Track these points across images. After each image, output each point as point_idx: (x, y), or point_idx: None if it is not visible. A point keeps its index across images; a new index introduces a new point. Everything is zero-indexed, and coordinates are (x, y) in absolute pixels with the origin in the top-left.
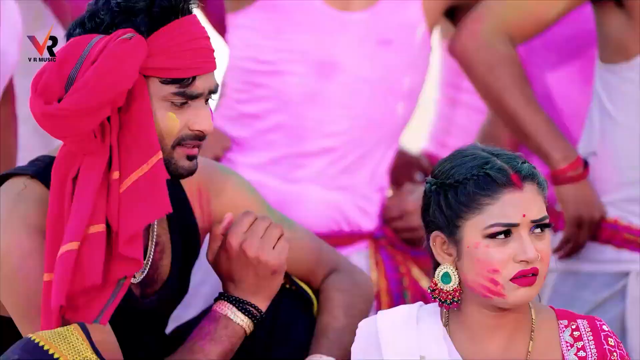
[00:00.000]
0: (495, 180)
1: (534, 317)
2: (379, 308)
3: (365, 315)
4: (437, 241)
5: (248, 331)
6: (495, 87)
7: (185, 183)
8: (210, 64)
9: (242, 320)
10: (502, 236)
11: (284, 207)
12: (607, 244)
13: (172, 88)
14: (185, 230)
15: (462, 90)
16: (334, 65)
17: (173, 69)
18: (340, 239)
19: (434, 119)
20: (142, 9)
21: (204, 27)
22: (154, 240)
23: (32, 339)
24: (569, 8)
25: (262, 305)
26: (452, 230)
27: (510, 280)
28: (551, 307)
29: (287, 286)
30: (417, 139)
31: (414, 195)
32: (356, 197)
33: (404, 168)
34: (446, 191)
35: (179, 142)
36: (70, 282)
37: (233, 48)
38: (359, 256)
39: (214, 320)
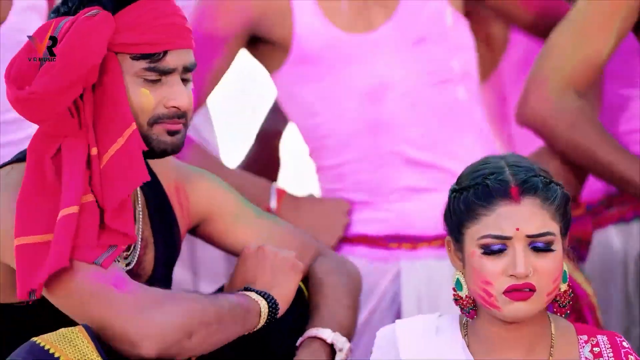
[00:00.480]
0: (492, 191)
1: (553, 332)
2: None
3: (355, 293)
4: (450, 246)
5: (263, 313)
6: (584, 144)
7: (163, 180)
8: (182, 40)
9: (257, 297)
10: (496, 248)
11: (410, 224)
12: None
13: (143, 64)
14: (166, 226)
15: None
16: (382, 85)
17: (142, 44)
18: None
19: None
20: None
21: (178, 7)
22: (139, 235)
23: (37, 342)
24: (620, 38)
25: (278, 301)
26: (457, 237)
27: (503, 293)
28: (570, 322)
29: None
30: None
31: None
32: None
33: None
34: (455, 197)
35: (156, 121)
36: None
37: (290, 111)
38: None
39: (231, 294)
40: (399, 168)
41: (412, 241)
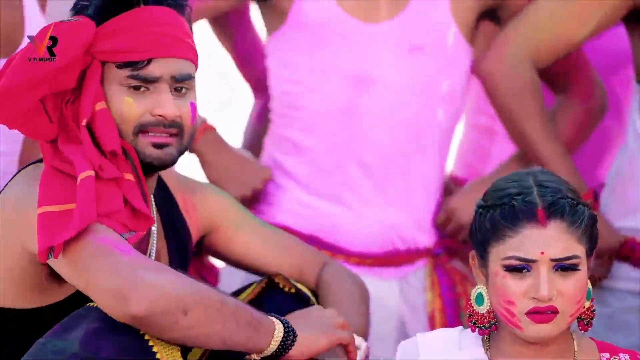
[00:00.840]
0: (518, 213)
1: (576, 349)
2: (432, 328)
3: (367, 301)
4: (474, 261)
5: (276, 335)
6: (517, 115)
7: (174, 192)
8: (170, 49)
9: (275, 319)
10: (520, 266)
11: (336, 232)
12: (624, 261)
13: (127, 71)
14: (179, 237)
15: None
16: (367, 78)
17: (125, 52)
18: (398, 258)
19: (463, 143)
20: (95, 2)
21: (172, 16)
22: (153, 247)
23: None
24: (598, 31)
25: (299, 337)
26: (482, 254)
27: (525, 314)
28: (591, 339)
29: (287, 289)
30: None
31: (456, 194)
32: (410, 210)
33: None
34: (481, 214)
35: (142, 129)
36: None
37: (273, 73)
38: (416, 276)
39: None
40: (350, 165)
41: (332, 250)
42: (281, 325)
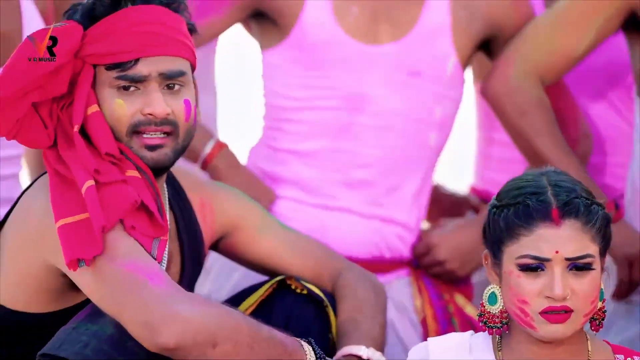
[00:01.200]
0: (532, 212)
1: (590, 350)
2: (426, 335)
3: (383, 310)
4: (488, 260)
5: None
6: (526, 132)
7: (190, 196)
8: (157, 48)
9: (308, 347)
10: (534, 265)
11: (323, 232)
12: None
13: (115, 73)
14: (192, 240)
15: (495, 130)
16: (364, 98)
17: (112, 54)
18: (381, 265)
19: (481, 157)
20: (83, 7)
21: (162, 15)
22: (166, 251)
23: None
24: (597, 41)
25: None
26: (495, 253)
27: (539, 313)
28: (605, 342)
29: (298, 290)
30: (462, 178)
31: (441, 230)
32: (393, 225)
33: (453, 209)
34: (494, 213)
35: (135, 129)
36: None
37: (266, 87)
38: (400, 283)
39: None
40: (339, 180)
41: None
42: (313, 355)
